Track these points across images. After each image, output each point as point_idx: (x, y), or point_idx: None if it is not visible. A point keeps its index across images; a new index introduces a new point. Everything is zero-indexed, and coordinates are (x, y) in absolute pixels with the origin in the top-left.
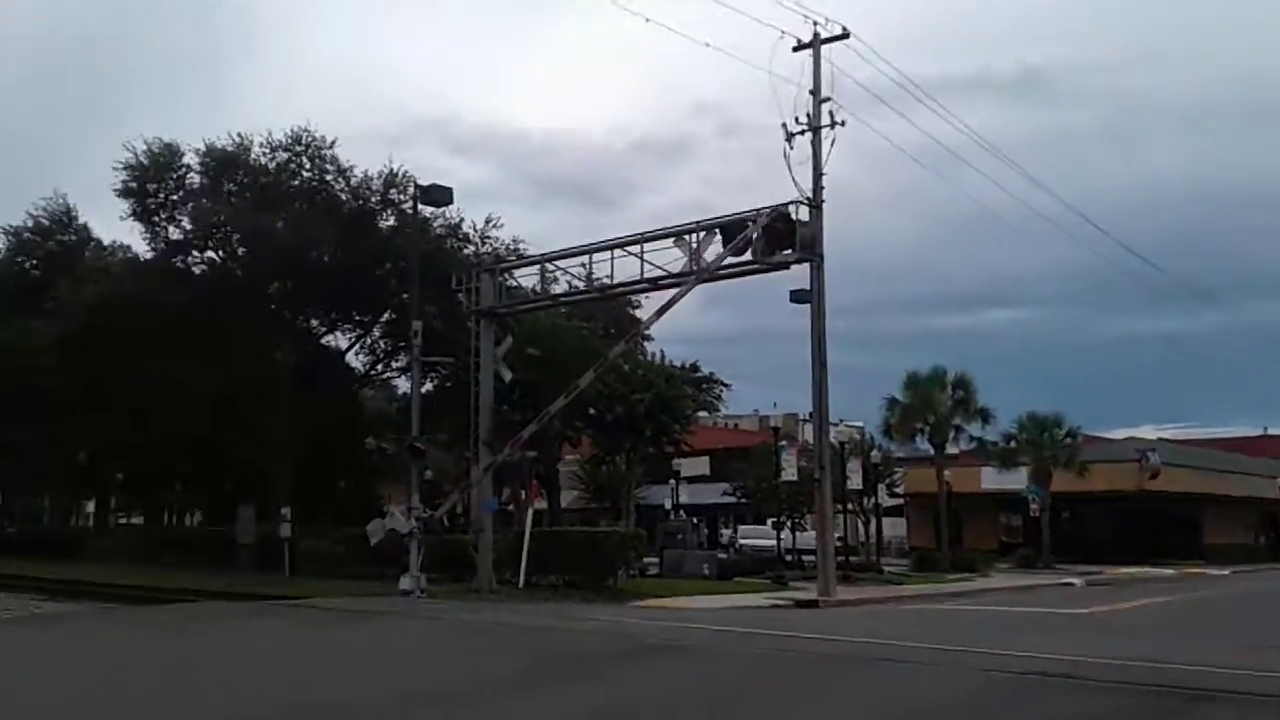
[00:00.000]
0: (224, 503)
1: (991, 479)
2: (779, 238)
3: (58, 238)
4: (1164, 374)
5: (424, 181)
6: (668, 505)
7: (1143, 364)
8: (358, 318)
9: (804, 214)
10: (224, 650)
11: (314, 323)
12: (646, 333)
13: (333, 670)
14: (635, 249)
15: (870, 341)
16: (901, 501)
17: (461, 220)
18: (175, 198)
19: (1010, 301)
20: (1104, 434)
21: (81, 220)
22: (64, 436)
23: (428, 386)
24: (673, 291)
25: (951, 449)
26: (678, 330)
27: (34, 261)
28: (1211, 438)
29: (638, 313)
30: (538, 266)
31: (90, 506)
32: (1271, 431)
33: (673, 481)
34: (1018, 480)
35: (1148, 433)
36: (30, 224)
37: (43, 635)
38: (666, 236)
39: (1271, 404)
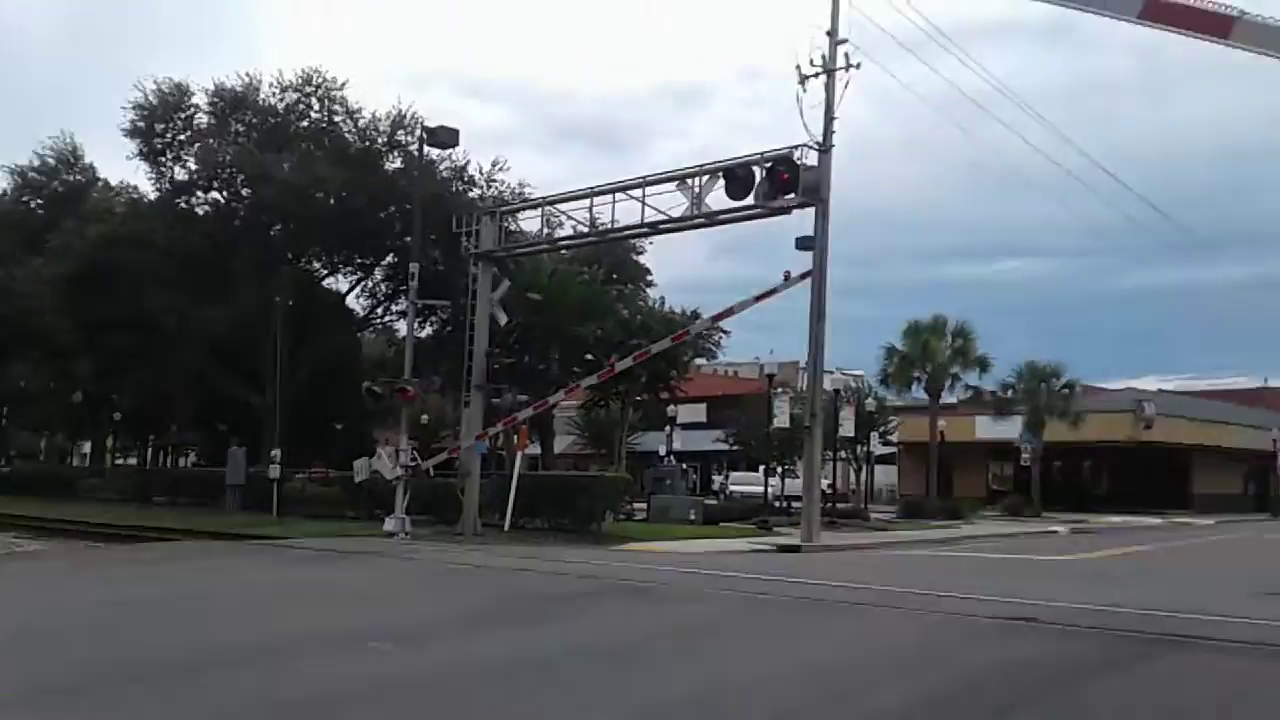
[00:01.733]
0: (219, 444)
1: (986, 428)
2: (784, 182)
3: (63, 177)
4: (1168, 326)
5: (435, 124)
6: (662, 451)
7: (1149, 316)
8: (359, 260)
9: (811, 158)
10: (191, 590)
11: (316, 265)
12: (649, 278)
13: (294, 608)
14: (637, 193)
15: (880, 291)
16: (895, 450)
17: (468, 163)
18: (182, 138)
19: (1022, 252)
20: (1106, 385)
21: (88, 160)
22: (62, 376)
23: (427, 331)
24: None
25: (949, 398)
26: (685, 278)
27: (39, 201)
28: (1212, 389)
29: (641, 258)
30: (540, 210)
31: (87, 446)
32: (1272, 383)
33: (668, 428)
34: (1012, 429)
35: (1149, 384)
36: (36, 163)
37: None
38: (669, 180)
39: (1274, 355)
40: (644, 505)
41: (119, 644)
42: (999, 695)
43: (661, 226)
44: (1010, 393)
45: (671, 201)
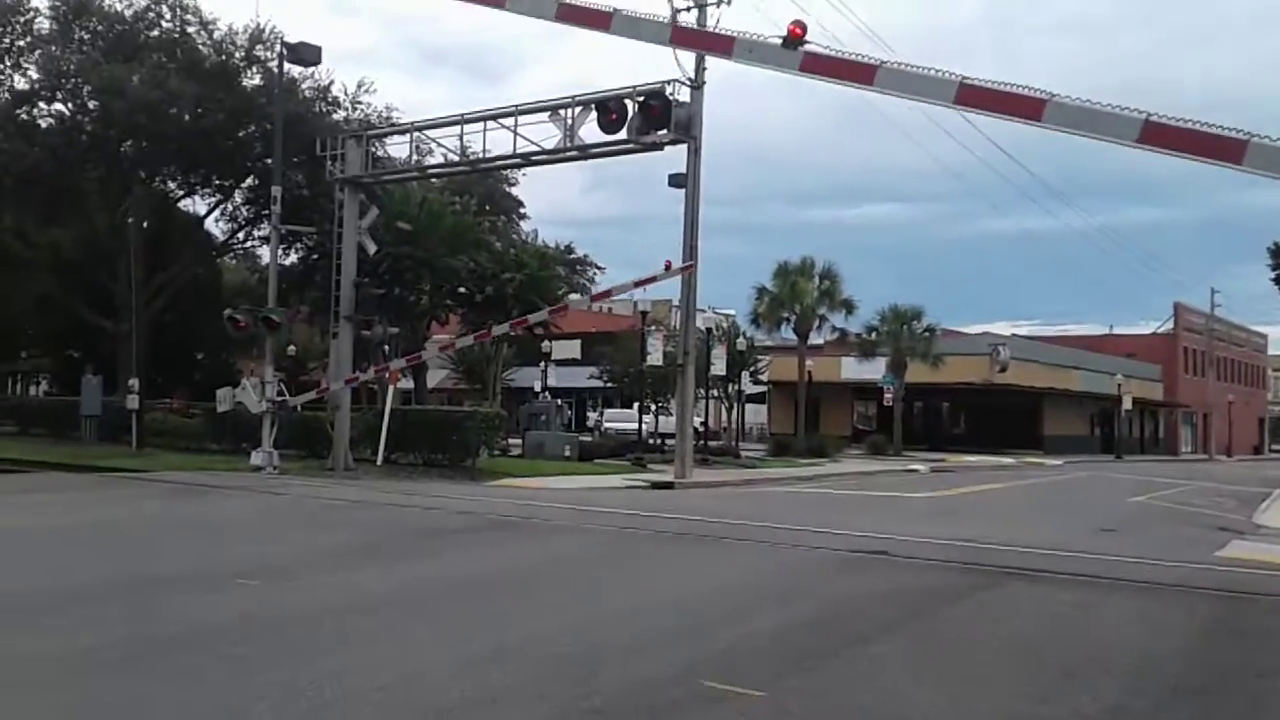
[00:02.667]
0: (73, 371)
1: (851, 369)
2: (655, 117)
3: None
4: (1022, 273)
5: (296, 40)
6: (537, 387)
7: (1003, 262)
8: (218, 182)
9: (684, 94)
10: (50, 525)
11: (171, 185)
12: (522, 210)
13: (159, 544)
14: (510, 122)
15: (752, 231)
16: (765, 389)
17: (331, 83)
18: (22, 43)
19: (887, 197)
20: (961, 328)
21: None
22: None
23: (292, 258)
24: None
25: (816, 339)
26: (558, 211)
27: None
28: (1063, 335)
29: (514, 190)
30: (409, 136)
31: None
32: (1117, 330)
33: (543, 364)
34: (875, 370)
35: (1002, 328)
36: None
37: None
38: (542, 110)
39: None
40: (519, 441)
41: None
42: (858, 623)
43: (534, 158)
44: (874, 335)
45: (544, 133)
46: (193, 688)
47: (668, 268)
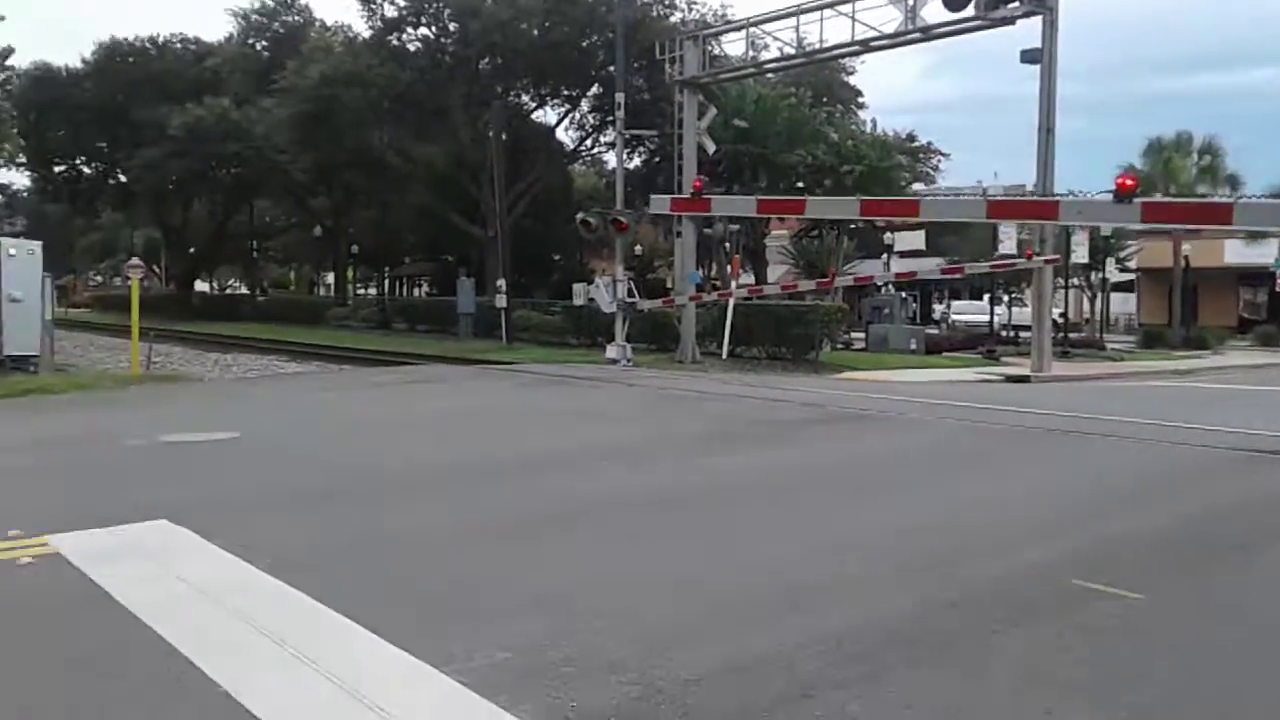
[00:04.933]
0: (448, 274)
1: (1236, 252)
2: None
3: (283, 18)
4: None
5: None
6: (878, 280)
7: None
8: (565, 92)
9: None
10: (444, 406)
11: (524, 98)
12: (860, 100)
13: (534, 428)
14: (847, 9)
15: (1114, 108)
16: (1133, 277)
17: None
18: None
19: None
20: None
21: (304, 1)
22: (303, 211)
23: (635, 161)
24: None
25: None
26: (896, 99)
27: (264, 43)
28: None
29: (851, 79)
30: (744, 32)
31: (330, 278)
32: None
33: (885, 255)
34: (1266, 253)
35: None
36: (257, 5)
37: (288, 387)
38: None
39: None
40: (861, 335)
41: (389, 455)
42: (1250, 528)
43: (873, 44)
44: None
45: (884, 17)
46: (565, 561)
47: (1029, 258)
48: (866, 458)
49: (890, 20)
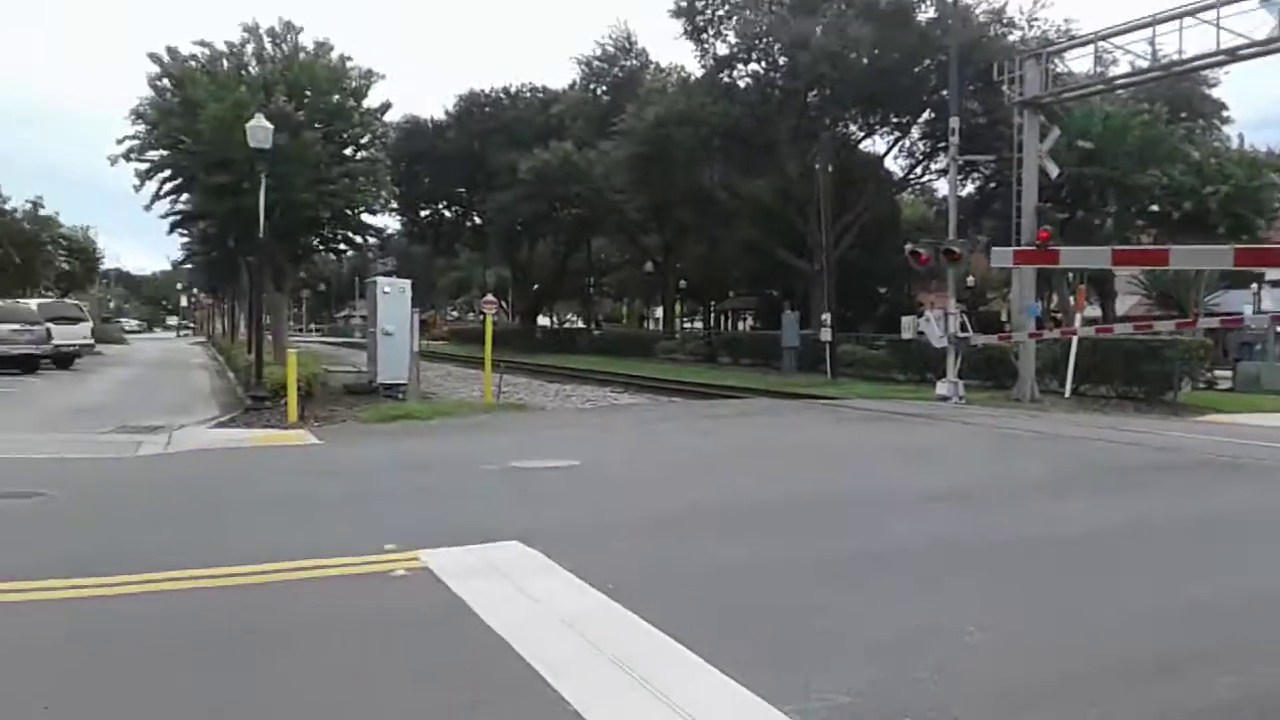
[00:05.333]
0: (771, 308)
1: None
2: None
3: (621, 63)
4: None
5: None
6: (1248, 313)
7: None
8: (895, 120)
9: None
10: (770, 439)
11: (852, 129)
12: (1224, 114)
13: (867, 463)
14: (1210, 15)
15: None
16: None
17: (1006, 4)
18: (721, 12)
19: None
20: None
21: (640, 45)
22: (635, 248)
23: (968, 188)
24: (1257, 61)
25: None
26: (1267, 111)
27: (604, 88)
28: None
29: (1212, 92)
30: (1090, 47)
31: (659, 311)
32: None
33: (1255, 285)
34: None
35: None
36: (598, 52)
37: (623, 418)
38: None
39: None
40: (1228, 373)
41: (720, 487)
42: None
43: (1241, 53)
44: None
45: (1252, 22)
46: (891, 604)
47: None
48: (1227, 510)
49: (1261, 25)
